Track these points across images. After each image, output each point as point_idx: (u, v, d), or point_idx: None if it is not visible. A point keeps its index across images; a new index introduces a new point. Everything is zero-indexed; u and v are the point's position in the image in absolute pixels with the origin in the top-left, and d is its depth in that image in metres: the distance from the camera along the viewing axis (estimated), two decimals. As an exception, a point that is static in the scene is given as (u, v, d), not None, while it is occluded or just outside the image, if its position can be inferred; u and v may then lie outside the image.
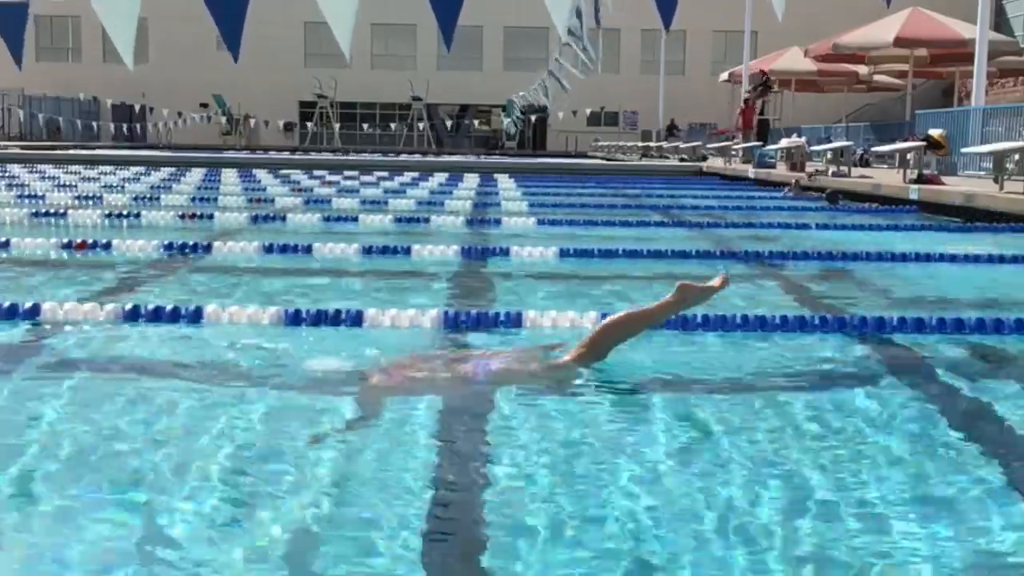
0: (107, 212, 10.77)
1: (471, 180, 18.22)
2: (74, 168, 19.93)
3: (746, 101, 30.03)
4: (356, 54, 44.82)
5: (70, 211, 10.63)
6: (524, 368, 3.89)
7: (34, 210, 10.71)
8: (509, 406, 3.55)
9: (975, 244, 8.85)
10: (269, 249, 7.72)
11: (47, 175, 17.38)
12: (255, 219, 10.49)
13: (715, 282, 4.09)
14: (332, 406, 3.57)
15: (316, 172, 19.99)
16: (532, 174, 21.40)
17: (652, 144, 33.44)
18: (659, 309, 4.10)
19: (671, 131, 38.17)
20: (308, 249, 7.68)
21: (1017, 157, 12.79)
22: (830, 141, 21.98)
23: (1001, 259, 7.77)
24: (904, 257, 7.61)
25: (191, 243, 7.87)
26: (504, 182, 18.05)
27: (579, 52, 23.32)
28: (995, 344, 4.78)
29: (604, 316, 4.88)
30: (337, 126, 47.20)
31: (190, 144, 40.03)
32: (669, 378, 3.99)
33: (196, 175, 18.26)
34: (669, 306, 4.09)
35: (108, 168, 20.32)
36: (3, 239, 7.67)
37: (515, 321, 4.88)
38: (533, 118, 43.98)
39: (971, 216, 11.25)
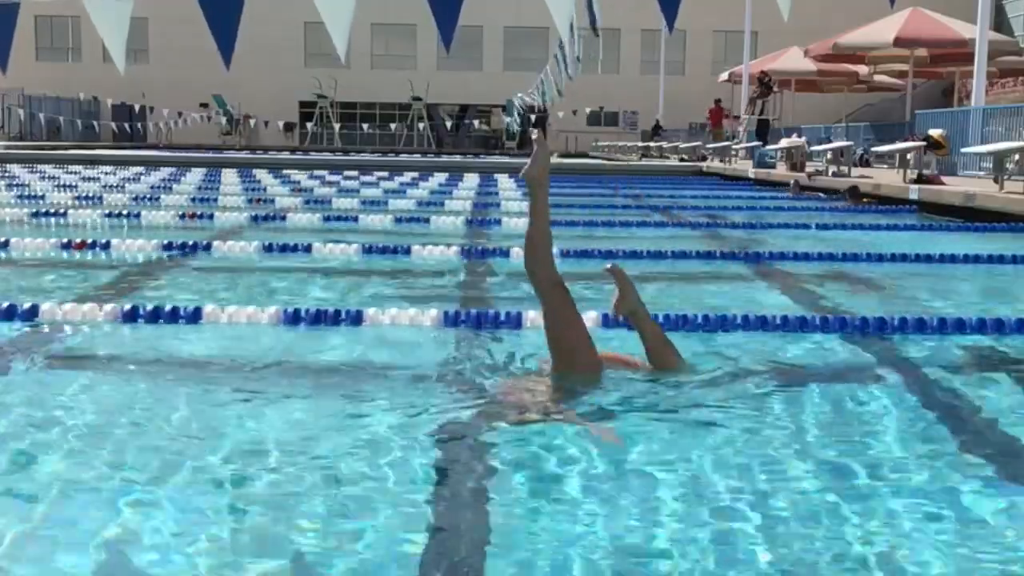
0: (107, 212, 10.77)
1: (471, 180, 18.21)
2: (74, 168, 19.94)
3: (717, 101, 30.10)
4: (356, 54, 44.86)
5: (70, 211, 10.63)
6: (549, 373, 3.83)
7: (34, 210, 10.71)
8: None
9: (975, 244, 8.84)
10: (269, 249, 7.72)
11: (47, 175, 17.39)
12: (255, 219, 10.49)
13: (535, 143, 3.90)
14: (331, 405, 3.57)
15: (316, 172, 20.01)
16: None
17: (652, 144, 33.44)
18: (537, 207, 3.86)
19: (656, 131, 38.42)
20: (308, 249, 7.68)
21: (1017, 157, 12.78)
22: (830, 141, 21.97)
23: (1001, 259, 7.76)
24: (904, 257, 7.60)
25: (191, 243, 7.87)
26: (504, 182, 18.04)
27: (572, 55, 23.35)
28: (995, 344, 4.78)
29: (604, 316, 4.89)
30: (337, 126, 47.16)
31: (190, 144, 40.02)
32: (669, 379, 3.98)
33: (196, 175, 18.26)
34: (536, 199, 3.86)
35: (108, 168, 20.33)
36: (3, 239, 7.67)
37: (515, 321, 4.87)
38: (533, 118, 43.95)
39: (971, 216, 11.24)
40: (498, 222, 11.23)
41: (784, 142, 20.86)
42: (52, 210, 10.71)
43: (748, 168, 20.37)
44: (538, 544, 2.41)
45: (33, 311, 4.88)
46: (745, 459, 3.04)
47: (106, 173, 18.49)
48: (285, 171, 20.30)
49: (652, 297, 5.92)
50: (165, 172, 19.03)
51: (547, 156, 3.88)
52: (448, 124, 47.93)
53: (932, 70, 28.60)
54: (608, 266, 4.09)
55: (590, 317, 4.87)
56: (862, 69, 28.61)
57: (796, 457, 3.09)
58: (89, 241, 7.75)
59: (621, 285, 4.00)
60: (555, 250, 7.41)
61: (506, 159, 29.84)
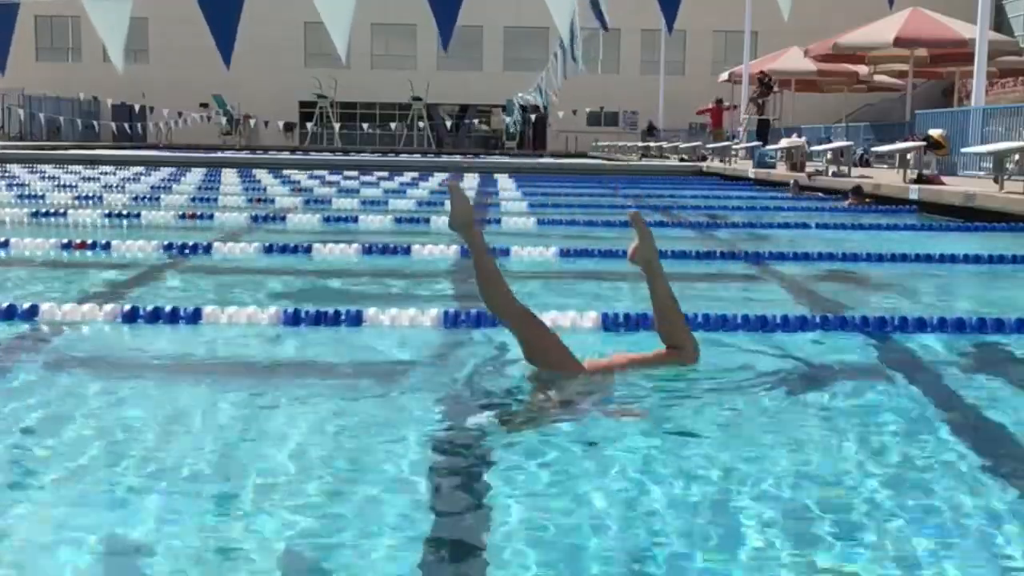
0: (107, 212, 10.77)
1: (471, 180, 18.22)
2: (74, 168, 19.94)
3: (718, 101, 30.11)
4: (356, 54, 44.84)
5: (70, 211, 10.63)
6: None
7: (34, 210, 10.71)
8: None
9: (975, 244, 8.85)
10: (269, 249, 7.72)
11: (47, 175, 17.39)
12: (255, 219, 10.49)
13: (450, 191, 3.90)
14: (331, 406, 3.57)
15: (316, 172, 20.01)
16: (532, 174, 21.40)
17: (652, 144, 33.47)
18: (475, 251, 3.87)
19: (650, 131, 38.67)
20: (308, 249, 7.68)
21: (1017, 157, 12.79)
22: (830, 141, 21.97)
23: (1001, 259, 7.77)
24: (904, 257, 7.60)
25: (191, 243, 7.86)
26: (504, 182, 18.04)
27: (570, 55, 23.35)
28: (995, 344, 4.78)
29: (604, 316, 4.89)
30: (337, 126, 47.18)
31: (190, 144, 40.02)
32: (669, 379, 3.98)
33: (196, 175, 18.26)
34: (470, 244, 3.88)
35: (108, 168, 20.33)
36: (3, 239, 7.67)
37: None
38: (533, 118, 43.99)
39: (971, 216, 11.25)
40: (498, 222, 11.23)
41: (784, 142, 20.86)
42: (52, 210, 10.71)
43: (748, 168, 20.37)
44: (544, 543, 2.41)
45: (33, 311, 4.88)
46: (745, 458, 3.04)
47: (106, 173, 18.49)
48: (285, 171, 20.31)
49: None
50: (165, 172, 19.03)
51: (463, 200, 3.80)
52: (448, 124, 47.95)
53: (932, 70, 28.60)
54: (631, 212, 4.06)
55: (590, 317, 4.88)
56: (862, 69, 28.61)
57: (794, 456, 3.09)
58: (89, 241, 7.75)
59: (640, 233, 3.97)
60: (555, 249, 7.51)
61: (506, 159, 29.87)
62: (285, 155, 29.79)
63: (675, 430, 3.33)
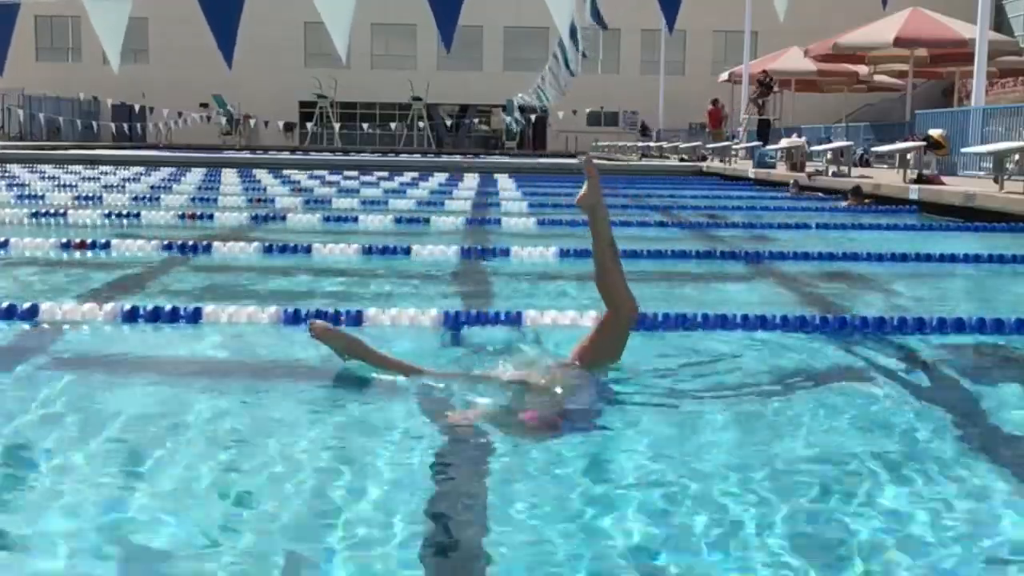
0: (107, 212, 10.77)
1: (471, 180, 18.22)
2: (74, 168, 19.94)
3: (714, 101, 30.17)
4: (356, 54, 44.85)
5: (70, 211, 10.63)
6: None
7: (34, 210, 10.71)
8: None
9: (975, 244, 8.85)
10: (269, 249, 7.72)
11: (47, 175, 17.39)
12: (255, 219, 10.49)
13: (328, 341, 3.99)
14: (330, 406, 3.57)
15: (316, 172, 20.01)
16: (532, 174, 21.40)
17: (652, 144, 33.47)
18: (368, 355, 3.95)
19: (644, 131, 38.90)
20: (308, 249, 7.68)
21: (1017, 157, 12.79)
22: (830, 141, 21.97)
23: (1001, 259, 7.77)
24: (904, 257, 7.61)
25: (191, 243, 7.87)
26: (504, 182, 18.05)
27: (577, 51, 23.36)
28: (995, 344, 4.78)
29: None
30: (337, 126, 47.18)
31: (190, 144, 40.02)
32: (668, 379, 3.98)
33: (196, 175, 18.26)
34: (365, 356, 3.95)
35: (108, 168, 20.33)
36: (3, 239, 7.67)
37: (515, 321, 4.88)
38: (533, 118, 43.99)
39: (971, 216, 11.25)
40: (498, 222, 11.24)
41: (784, 142, 20.86)
42: (52, 210, 10.70)
43: (748, 168, 20.37)
44: (542, 542, 2.41)
45: (33, 311, 4.88)
46: (743, 458, 3.04)
47: (106, 173, 18.49)
48: (285, 171, 20.31)
49: (652, 297, 5.92)
50: (165, 172, 19.03)
51: (328, 340, 3.91)
52: (448, 124, 47.94)
53: (932, 70, 28.61)
54: (582, 158, 4.09)
55: (589, 317, 4.89)
56: (862, 69, 28.63)
57: (794, 456, 3.09)
58: (89, 241, 7.75)
59: (590, 179, 4.01)
60: (555, 249, 7.51)
61: (506, 159, 29.87)
62: (285, 155, 29.79)
63: (674, 429, 3.34)
